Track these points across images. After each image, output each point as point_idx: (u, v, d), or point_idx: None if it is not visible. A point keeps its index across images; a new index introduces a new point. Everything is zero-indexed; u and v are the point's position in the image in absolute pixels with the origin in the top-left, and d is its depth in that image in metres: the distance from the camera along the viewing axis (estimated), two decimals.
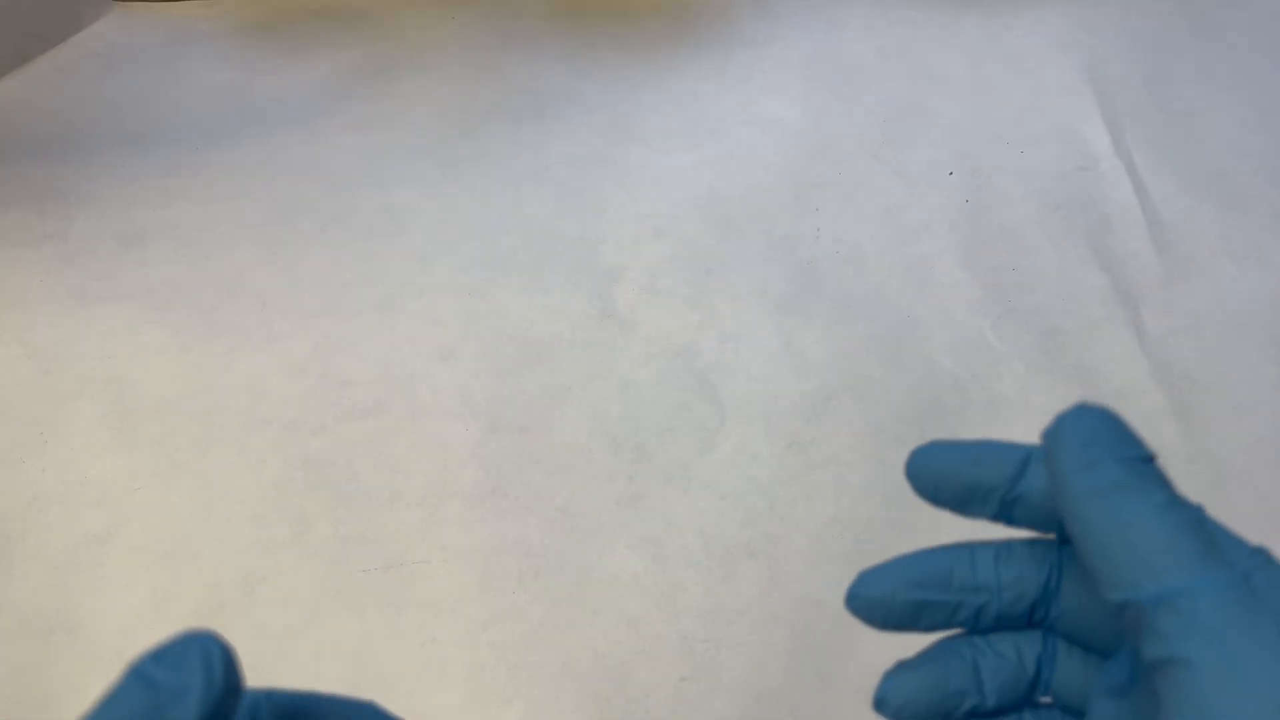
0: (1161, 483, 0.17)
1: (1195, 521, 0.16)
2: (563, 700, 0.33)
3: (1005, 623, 0.20)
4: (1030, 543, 0.21)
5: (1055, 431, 0.17)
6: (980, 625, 0.20)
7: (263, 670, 0.33)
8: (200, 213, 0.50)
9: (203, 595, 0.35)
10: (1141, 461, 0.17)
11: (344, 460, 0.39)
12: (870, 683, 0.32)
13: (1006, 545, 0.21)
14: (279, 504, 0.38)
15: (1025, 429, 0.40)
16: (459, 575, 0.36)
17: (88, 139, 0.55)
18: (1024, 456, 0.19)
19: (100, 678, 0.33)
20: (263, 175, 0.52)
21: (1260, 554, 0.17)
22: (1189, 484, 0.38)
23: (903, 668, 0.21)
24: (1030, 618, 0.20)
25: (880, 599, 0.20)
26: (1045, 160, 0.52)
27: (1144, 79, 0.57)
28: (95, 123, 0.56)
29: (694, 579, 0.36)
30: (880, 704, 0.20)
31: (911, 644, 0.23)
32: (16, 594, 0.35)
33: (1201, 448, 0.39)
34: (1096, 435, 0.17)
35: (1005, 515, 0.20)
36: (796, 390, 0.42)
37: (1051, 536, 0.20)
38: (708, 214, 0.50)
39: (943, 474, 0.20)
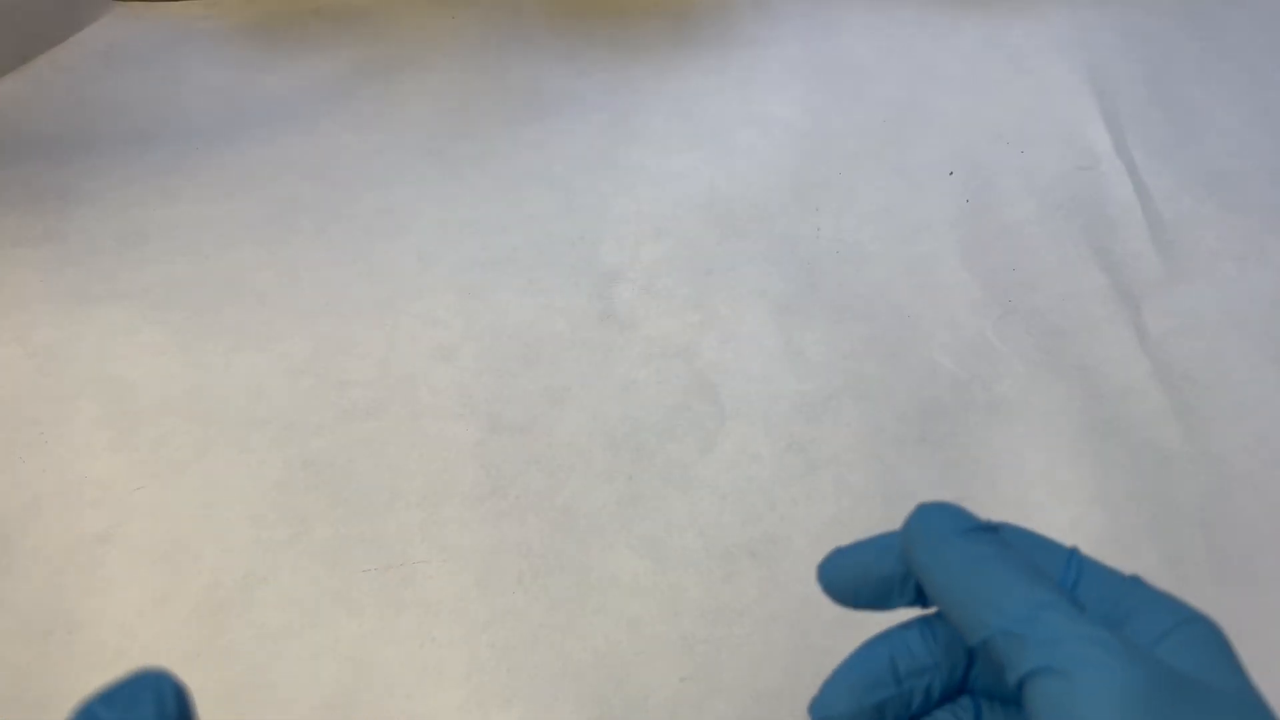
0: (991, 539, 0.19)
1: (1023, 560, 0.19)
2: (563, 700, 0.33)
3: (946, 695, 0.22)
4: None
5: (906, 529, 0.21)
6: (929, 705, 0.21)
7: (262, 670, 0.33)
8: (200, 213, 0.50)
9: (203, 595, 0.35)
10: (975, 530, 0.20)
11: (344, 460, 0.39)
12: None
13: (926, 620, 0.22)
14: (279, 504, 0.38)
15: (1025, 429, 0.40)
16: (459, 575, 0.36)
17: (88, 139, 0.55)
18: None
19: (100, 678, 0.33)
20: (263, 175, 0.52)
21: (1075, 557, 0.20)
22: (1189, 484, 0.38)
23: None
24: (962, 684, 0.22)
25: (845, 715, 0.21)
26: (1046, 160, 0.52)
27: (1144, 79, 0.57)
28: (95, 123, 0.56)
29: (694, 579, 0.36)
30: None
31: None
32: (16, 594, 0.35)
33: (1202, 448, 0.39)
34: (937, 520, 0.20)
35: (923, 599, 0.21)
36: (796, 390, 0.42)
37: None
38: (708, 214, 0.50)
39: (855, 577, 0.22)
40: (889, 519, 0.37)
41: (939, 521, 0.20)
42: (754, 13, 0.64)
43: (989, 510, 0.37)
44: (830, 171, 0.52)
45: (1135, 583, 0.19)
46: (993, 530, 0.20)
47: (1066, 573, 0.20)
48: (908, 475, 0.38)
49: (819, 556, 0.36)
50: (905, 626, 0.22)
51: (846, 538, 0.36)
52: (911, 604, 0.22)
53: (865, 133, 0.55)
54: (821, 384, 0.42)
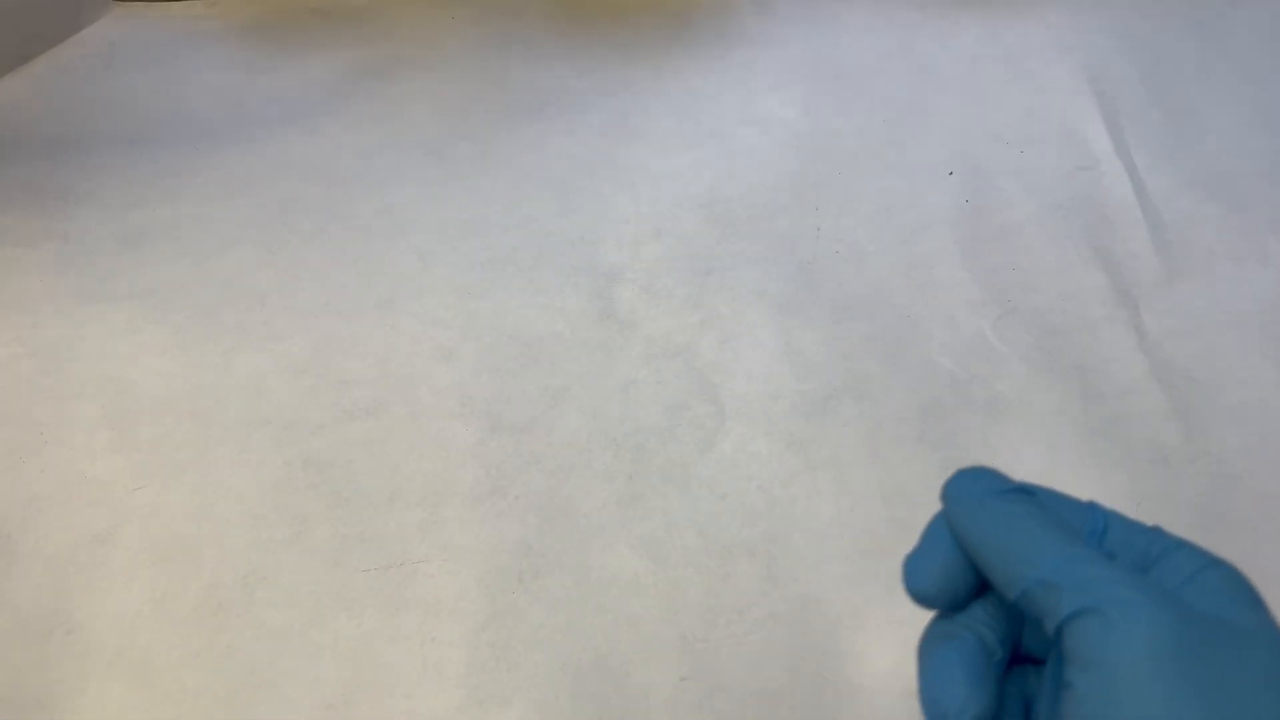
0: (1024, 499, 0.21)
1: (1054, 517, 0.20)
2: (563, 700, 0.33)
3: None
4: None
5: (945, 495, 0.22)
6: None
7: (262, 670, 0.33)
8: (200, 213, 0.50)
9: (203, 595, 0.35)
10: (1010, 492, 0.21)
11: (344, 460, 0.39)
12: (869, 683, 0.33)
13: (983, 599, 0.22)
14: (279, 504, 0.38)
15: (1025, 429, 0.40)
16: (459, 575, 0.36)
17: (88, 139, 0.55)
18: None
19: (99, 678, 0.33)
20: (262, 175, 0.52)
21: (1098, 511, 0.21)
22: (1189, 484, 0.38)
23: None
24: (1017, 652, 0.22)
25: (987, 713, 0.21)
26: (1045, 160, 0.52)
27: (1144, 79, 0.57)
28: (95, 123, 0.56)
29: (694, 579, 0.36)
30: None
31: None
32: (16, 594, 0.35)
33: (1201, 448, 0.39)
34: (973, 483, 0.21)
35: None
36: (796, 390, 0.42)
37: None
38: (708, 214, 0.50)
39: (948, 576, 0.22)
40: (889, 519, 0.37)
41: (975, 485, 0.21)
42: (754, 13, 0.64)
43: None
44: (830, 171, 0.52)
45: (1158, 532, 0.21)
46: (1026, 491, 0.21)
47: (1094, 526, 0.21)
48: (908, 475, 0.38)
49: (819, 556, 0.36)
50: (966, 610, 0.22)
51: (846, 538, 0.37)
52: None
53: (865, 133, 0.55)
54: (821, 384, 0.42)
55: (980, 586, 0.22)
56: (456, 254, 0.48)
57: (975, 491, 0.21)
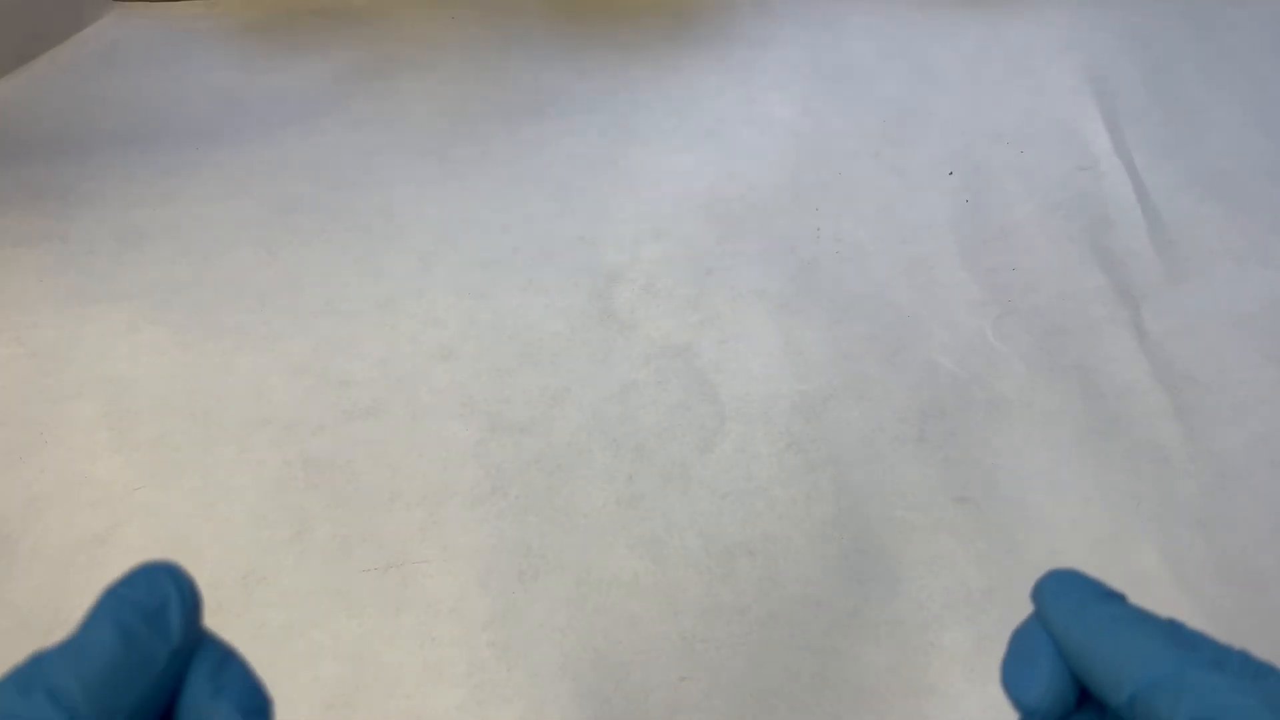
0: (1124, 602, 0.21)
1: (1164, 624, 0.20)
2: (563, 700, 0.33)
3: None
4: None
5: (1041, 594, 0.22)
6: None
7: (263, 669, 0.33)
8: (200, 212, 0.50)
9: (203, 595, 0.35)
10: (1108, 595, 0.21)
11: (344, 460, 0.39)
12: (869, 683, 0.33)
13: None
14: (279, 503, 0.38)
15: (1025, 429, 0.40)
16: (459, 575, 0.36)
17: (88, 139, 0.55)
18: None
19: None
20: (262, 175, 0.52)
21: (1183, 629, 0.21)
22: (1189, 484, 0.38)
23: None
24: None
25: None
26: (1046, 160, 0.52)
27: (1144, 79, 0.57)
28: (95, 122, 0.56)
29: (694, 579, 0.36)
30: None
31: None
32: (16, 594, 0.35)
33: (1201, 448, 0.39)
34: (1070, 586, 0.21)
35: None
36: (796, 390, 0.42)
37: None
38: (708, 214, 0.50)
39: (1059, 685, 0.21)
40: (889, 519, 0.37)
41: (1071, 587, 0.21)
42: (754, 12, 0.64)
43: (989, 510, 0.37)
44: (830, 171, 0.52)
45: (1246, 654, 0.21)
46: (1121, 596, 0.21)
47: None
48: (908, 475, 0.38)
49: (818, 556, 0.36)
50: None
51: (846, 538, 0.37)
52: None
53: (865, 133, 0.55)
54: (821, 384, 0.42)
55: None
56: (456, 254, 0.48)
57: (1073, 593, 0.21)
